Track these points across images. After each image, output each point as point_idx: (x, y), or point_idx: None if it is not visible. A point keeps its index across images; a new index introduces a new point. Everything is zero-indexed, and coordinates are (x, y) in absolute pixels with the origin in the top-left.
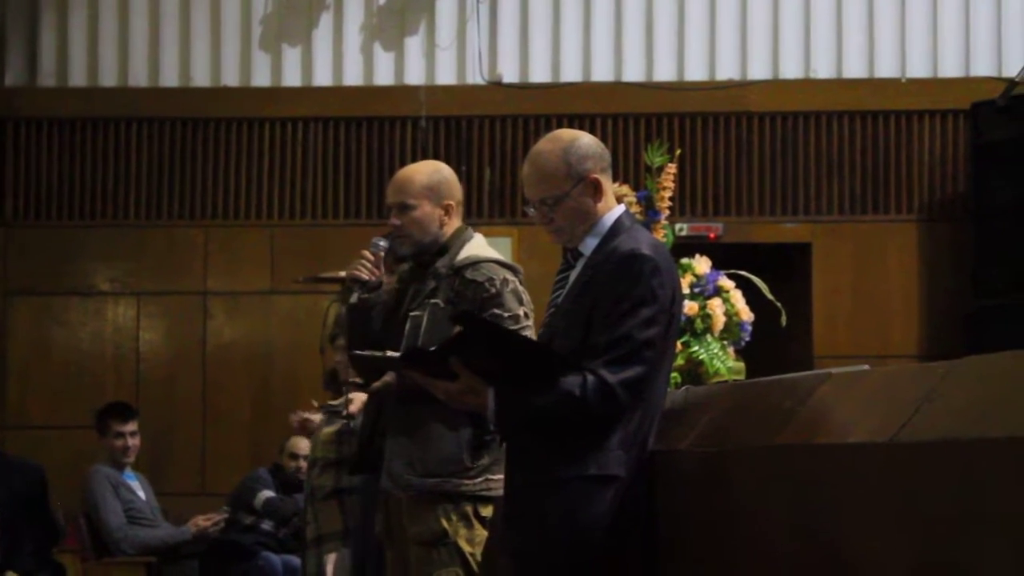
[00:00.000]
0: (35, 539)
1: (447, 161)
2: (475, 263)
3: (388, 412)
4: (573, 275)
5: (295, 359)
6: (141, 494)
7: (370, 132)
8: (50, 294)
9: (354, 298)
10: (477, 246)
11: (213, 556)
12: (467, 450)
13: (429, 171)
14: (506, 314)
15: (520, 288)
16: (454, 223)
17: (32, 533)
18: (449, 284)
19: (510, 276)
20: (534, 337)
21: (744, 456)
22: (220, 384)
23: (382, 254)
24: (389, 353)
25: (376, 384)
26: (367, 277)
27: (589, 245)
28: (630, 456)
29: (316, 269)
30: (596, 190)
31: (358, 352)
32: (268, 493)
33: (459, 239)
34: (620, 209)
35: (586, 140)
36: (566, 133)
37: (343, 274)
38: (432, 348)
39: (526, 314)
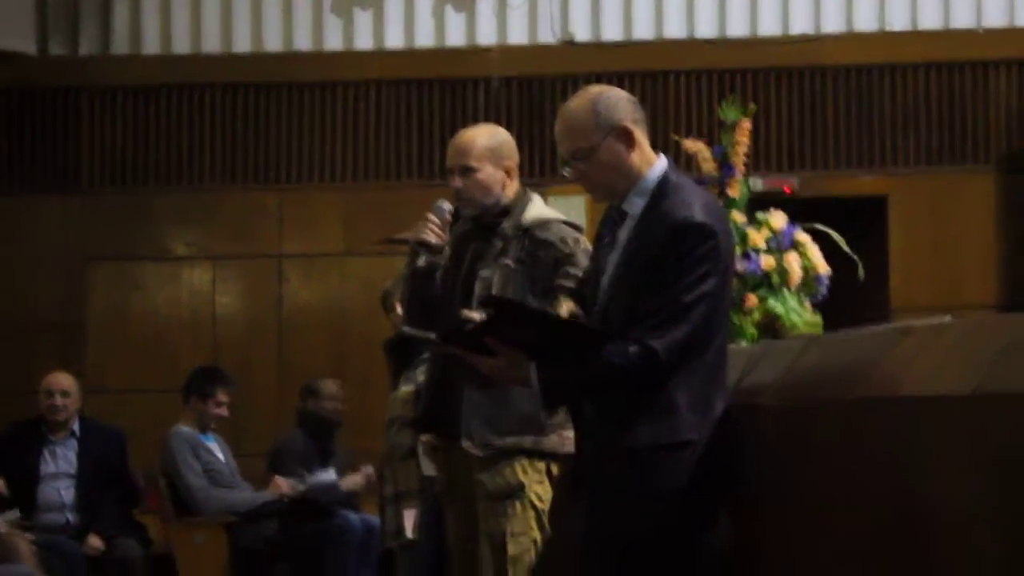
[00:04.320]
0: (116, 502)
1: (519, 121)
2: (544, 223)
3: (458, 371)
4: (622, 236)
5: (370, 321)
6: (220, 456)
7: (442, 94)
8: (127, 259)
9: (422, 261)
10: (541, 207)
11: (293, 516)
12: (540, 408)
13: (489, 133)
14: (579, 272)
15: (589, 247)
16: (514, 185)
17: (113, 496)
18: (518, 244)
19: (578, 235)
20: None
21: (826, 410)
22: (296, 347)
23: (448, 217)
24: (431, 335)
25: None
26: (434, 240)
27: (636, 205)
28: (701, 418)
29: (390, 231)
30: (629, 140)
31: (406, 330)
32: (322, 477)
33: (521, 200)
34: (663, 164)
35: (616, 92)
36: (595, 87)
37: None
38: (468, 329)
39: None
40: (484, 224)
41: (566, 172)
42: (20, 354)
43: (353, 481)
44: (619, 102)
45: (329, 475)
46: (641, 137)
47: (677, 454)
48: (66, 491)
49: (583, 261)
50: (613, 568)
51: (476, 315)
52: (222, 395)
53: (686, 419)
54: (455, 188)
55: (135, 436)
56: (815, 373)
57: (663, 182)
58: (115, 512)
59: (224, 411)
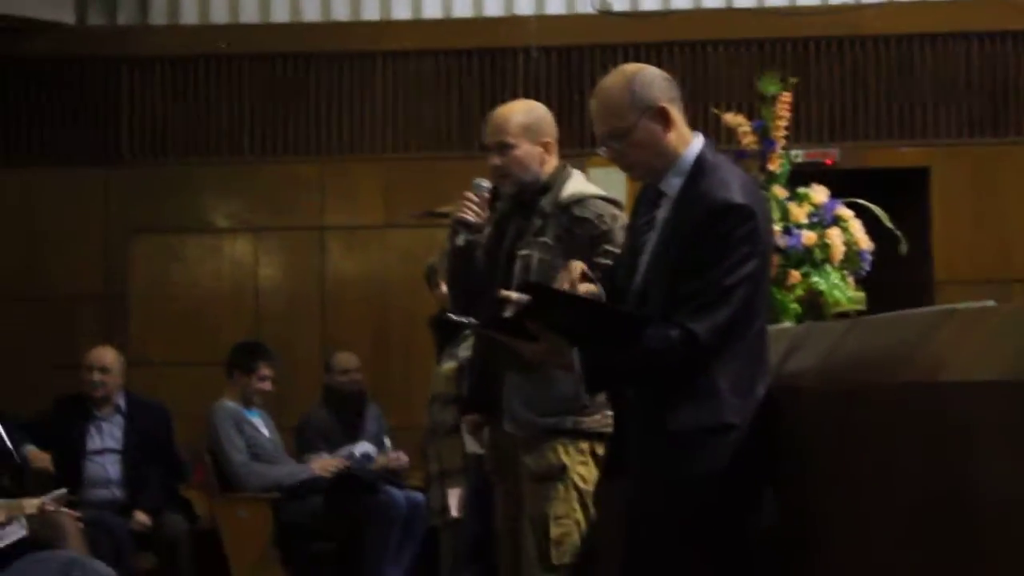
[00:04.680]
0: (162, 477)
1: (558, 92)
2: (581, 199)
3: (502, 353)
4: (660, 217)
5: (412, 293)
6: (264, 431)
7: (481, 64)
8: (169, 232)
9: (461, 240)
10: (580, 183)
11: (337, 491)
12: (582, 389)
13: (525, 109)
14: (617, 250)
15: (628, 222)
16: (552, 161)
17: (159, 471)
18: (557, 221)
19: (617, 211)
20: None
21: (868, 394)
22: (338, 319)
23: (487, 195)
24: (472, 320)
25: None
26: (473, 219)
27: (673, 185)
28: (743, 401)
29: (430, 203)
30: (665, 120)
31: (446, 317)
32: (363, 447)
33: (560, 176)
34: (700, 142)
35: (651, 71)
36: (631, 66)
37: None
38: (508, 315)
39: None
40: (524, 201)
41: (601, 151)
42: (64, 328)
43: (382, 462)
44: (655, 81)
45: (362, 447)
46: (677, 116)
47: (720, 437)
48: (112, 467)
49: (620, 238)
50: (657, 550)
51: (513, 295)
52: (265, 369)
53: (728, 402)
54: (493, 165)
55: (178, 410)
56: (857, 356)
57: (700, 161)
58: (161, 487)
59: (268, 385)
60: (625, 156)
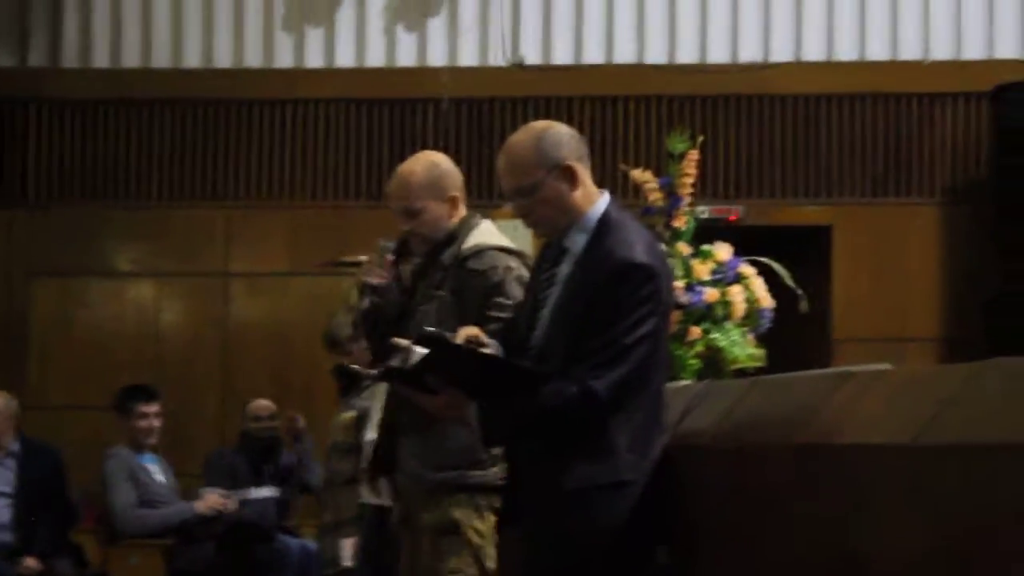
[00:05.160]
0: (52, 522)
1: (468, 143)
2: (478, 252)
3: (399, 412)
4: (561, 273)
5: (315, 340)
6: (160, 476)
7: (392, 114)
8: (72, 275)
9: (365, 303)
10: (482, 233)
11: (230, 538)
12: (479, 442)
13: (427, 167)
14: (509, 302)
15: (524, 274)
16: (460, 212)
17: (50, 516)
18: (455, 274)
19: (513, 263)
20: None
21: (766, 455)
22: (240, 365)
23: (391, 256)
24: (372, 372)
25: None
26: (377, 281)
27: (577, 241)
28: (640, 458)
29: (338, 250)
30: (571, 178)
31: (352, 368)
32: (264, 492)
33: (465, 227)
34: (605, 200)
35: (560, 128)
36: (540, 123)
37: (363, 258)
38: (407, 368)
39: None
40: (430, 254)
41: (507, 207)
42: None
43: (205, 505)
44: (563, 139)
45: (262, 492)
46: (584, 174)
47: (615, 494)
48: (3, 511)
49: (514, 290)
50: None
51: (403, 342)
52: (143, 409)
53: (625, 459)
54: (403, 229)
55: (77, 453)
56: (755, 417)
57: (605, 219)
58: (52, 532)
59: (149, 424)
60: (531, 213)
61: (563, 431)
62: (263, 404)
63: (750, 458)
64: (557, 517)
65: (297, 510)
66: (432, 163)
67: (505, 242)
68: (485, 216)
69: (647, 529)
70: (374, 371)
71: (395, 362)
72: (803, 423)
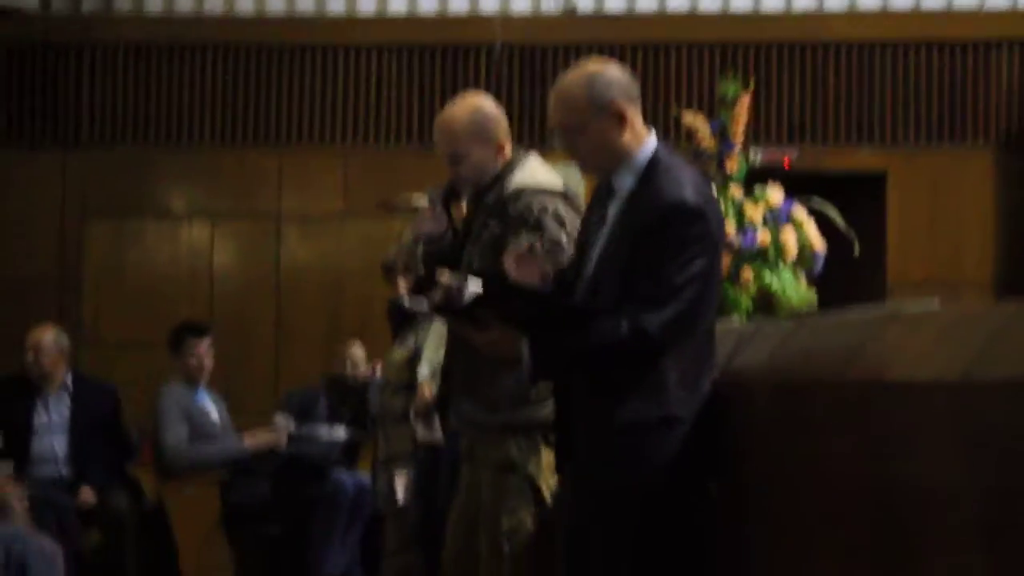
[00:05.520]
0: (109, 456)
1: (520, 90)
2: (519, 194)
3: (455, 354)
4: (610, 214)
5: (367, 282)
6: (213, 413)
7: (444, 60)
8: (126, 216)
9: (420, 252)
10: (526, 172)
11: (285, 474)
12: (527, 382)
13: (471, 112)
14: (546, 242)
15: (563, 212)
16: (505, 155)
17: (106, 450)
18: (497, 216)
19: (550, 203)
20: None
21: (814, 392)
22: (293, 307)
23: (440, 202)
24: (424, 307)
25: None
26: (431, 229)
27: (625, 183)
28: (690, 395)
29: (389, 194)
30: (620, 120)
31: (404, 302)
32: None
33: (508, 169)
34: (654, 142)
35: (612, 70)
36: (594, 63)
37: (420, 200)
38: (461, 304)
39: (570, 239)
40: (478, 199)
41: (556, 142)
42: (18, 309)
43: (257, 440)
44: (614, 81)
45: (328, 431)
46: (634, 117)
47: (665, 430)
48: (59, 444)
49: (552, 228)
50: (601, 541)
51: (446, 277)
52: (195, 345)
53: (675, 395)
54: (451, 173)
55: (132, 391)
56: (804, 355)
57: (654, 161)
58: (107, 466)
59: (200, 361)
60: (576, 151)
61: (613, 368)
62: (358, 352)
63: (799, 395)
64: (607, 453)
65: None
66: (476, 107)
67: (549, 180)
68: (532, 153)
69: (697, 465)
70: (425, 305)
71: (436, 298)
72: (852, 360)
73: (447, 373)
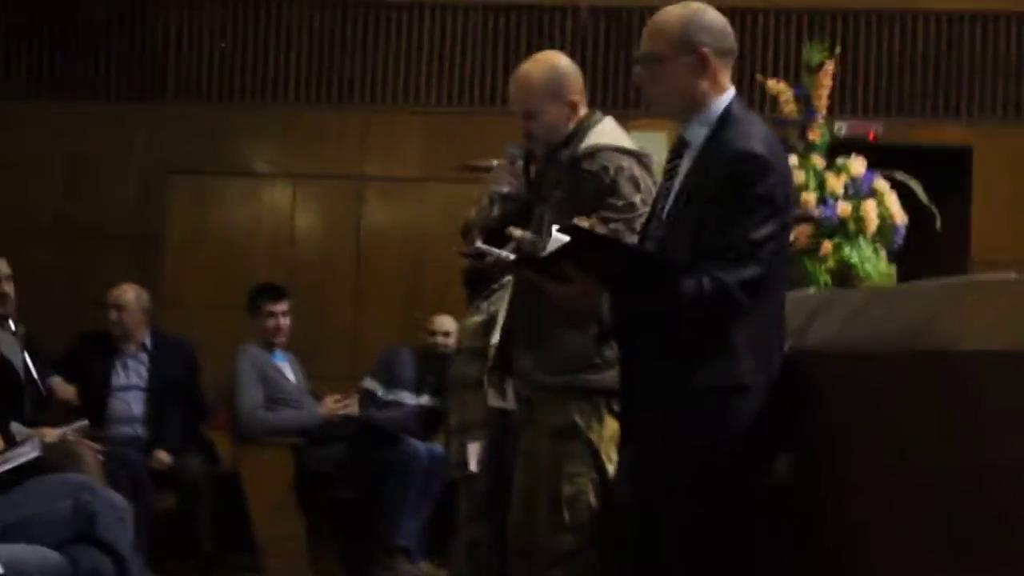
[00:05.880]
0: (184, 417)
1: (605, 52)
2: (593, 153)
3: (519, 315)
4: (682, 168)
5: (448, 246)
6: (290, 375)
7: (530, 20)
8: (209, 174)
9: (496, 211)
10: (600, 133)
11: (360, 441)
12: (594, 344)
13: (547, 69)
14: (620, 203)
15: (638, 173)
16: (579, 114)
17: (182, 411)
18: (570, 175)
19: (625, 162)
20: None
21: (886, 361)
22: (373, 269)
23: (520, 160)
24: (504, 253)
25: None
26: (508, 189)
27: (697, 134)
28: (760, 361)
29: (470, 156)
30: (703, 66)
31: (479, 246)
32: (400, 397)
33: (583, 128)
34: (730, 95)
35: (713, 15)
36: (698, 3)
37: (495, 163)
38: (544, 254)
39: (644, 200)
40: (550, 159)
41: (635, 69)
42: (99, 265)
43: (332, 409)
44: (710, 26)
45: (407, 398)
46: (720, 68)
47: (734, 397)
48: (136, 404)
49: (626, 189)
50: (668, 508)
51: (518, 232)
52: (272, 308)
53: (745, 363)
54: (523, 130)
55: (209, 352)
56: (878, 324)
57: (726, 113)
58: (183, 427)
59: (277, 323)
60: (651, 84)
61: (693, 326)
62: (446, 320)
63: (871, 364)
64: (675, 418)
65: None
66: (551, 65)
67: (623, 141)
68: (622, 126)
69: (766, 435)
70: (507, 254)
71: (505, 252)
72: (925, 330)
73: (508, 332)
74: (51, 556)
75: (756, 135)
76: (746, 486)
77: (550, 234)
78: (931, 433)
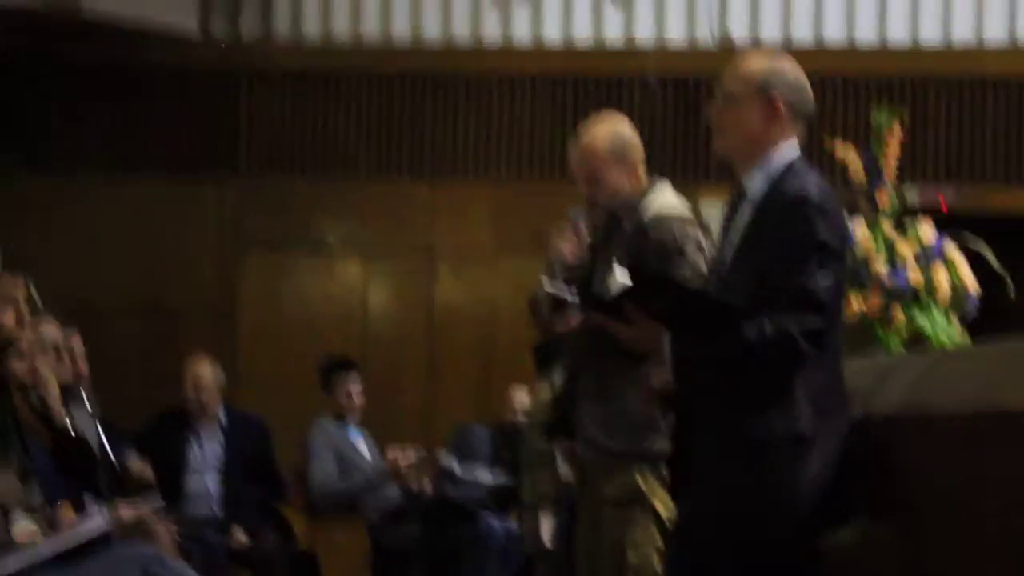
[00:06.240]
0: (260, 494)
1: (674, 122)
2: (659, 220)
3: (581, 379)
4: (740, 218)
5: (520, 320)
6: (365, 451)
7: (599, 92)
8: (281, 249)
9: (560, 284)
10: (663, 200)
11: (434, 516)
12: (661, 412)
13: (610, 136)
14: (688, 272)
15: (701, 239)
16: (639, 179)
17: (257, 489)
18: (636, 243)
19: (691, 231)
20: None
21: (956, 423)
22: (446, 346)
23: (582, 225)
24: (571, 297)
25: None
26: (570, 258)
27: (757, 185)
28: (820, 413)
29: (541, 228)
30: (774, 115)
31: (547, 286)
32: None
33: (645, 194)
34: (795, 152)
35: (794, 73)
36: (787, 60)
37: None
38: (609, 297)
39: (708, 263)
40: (612, 224)
41: (712, 106)
42: (171, 341)
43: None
44: (790, 81)
45: (483, 475)
46: (790, 122)
47: (794, 448)
48: (212, 483)
49: (692, 254)
50: (716, 558)
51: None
52: (344, 381)
53: (804, 414)
54: (585, 194)
55: (282, 428)
56: (947, 386)
57: (790, 166)
58: (259, 506)
59: (351, 399)
60: (721, 122)
61: (754, 373)
62: (522, 395)
63: (941, 426)
64: (729, 474)
65: None
66: (616, 131)
67: (684, 207)
68: (688, 197)
69: (829, 494)
70: (573, 297)
71: (566, 295)
72: (992, 389)
73: (570, 392)
74: None
75: (811, 182)
76: (807, 550)
77: (614, 275)
78: (1001, 495)
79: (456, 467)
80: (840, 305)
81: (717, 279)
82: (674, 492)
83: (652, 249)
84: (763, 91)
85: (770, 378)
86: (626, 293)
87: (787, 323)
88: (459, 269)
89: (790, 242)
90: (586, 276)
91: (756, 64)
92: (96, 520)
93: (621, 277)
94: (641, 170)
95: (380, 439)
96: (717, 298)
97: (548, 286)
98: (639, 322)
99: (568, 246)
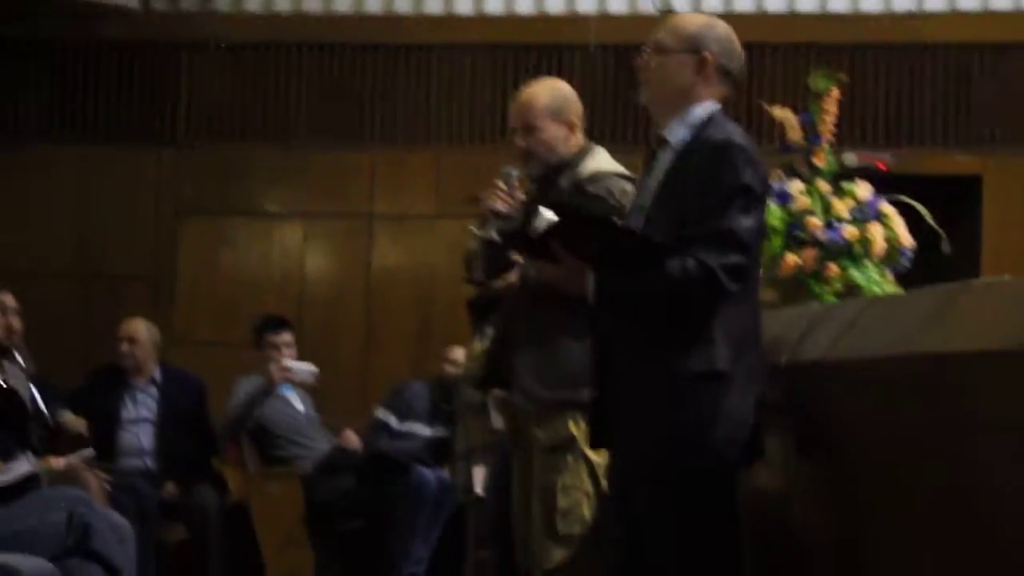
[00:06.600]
0: (194, 450)
1: (615, 89)
2: (596, 178)
3: (514, 328)
4: (660, 166)
5: (459, 283)
6: (299, 406)
7: (540, 60)
8: (219, 214)
9: (493, 233)
10: (600, 160)
11: (368, 470)
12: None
13: (549, 91)
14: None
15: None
16: (577, 139)
17: (190, 444)
18: (574, 198)
19: (629, 187)
20: None
21: (881, 366)
22: (383, 307)
23: (516, 182)
24: (496, 237)
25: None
26: (503, 208)
27: (677, 134)
28: (737, 351)
29: (480, 192)
30: (700, 70)
31: (475, 231)
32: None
33: (582, 154)
34: (716, 106)
35: (730, 36)
36: (719, 21)
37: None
38: (534, 233)
39: None
40: (546, 180)
41: (642, 54)
42: (111, 304)
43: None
44: (721, 40)
45: (420, 430)
46: (717, 79)
47: (711, 384)
48: (145, 437)
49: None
50: (644, 498)
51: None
52: (275, 339)
53: (721, 352)
54: (519, 147)
55: (220, 390)
56: (872, 332)
57: (711, 118)
58: (193, 460)
59: (282, 353)
60: (648, 72)
61: (676, 308)
62: (459, 350)
63: (865, 369)
64: (649, 405)
65: None
66: (555, 87)
67: (622, 169)
68: (629, 163)
69: (745, 430)
70: (496, 236)
71: (491, 231)
72: (919, 333)
73: (503, 341)
74: (45, 567)
75: (735, 131)
76: (724, 483)
77: (540, 214)
78: (924, 437)
79: (393, 421)
80: (760, 249)
81: (638, 220)
82: (594, 441)
83: (589, 202)
84: (694, 47)
85: (692, 314)
86: (552, 230)
87: (709, 259)
88: (397, 233)
89: (714, 184)
90: (518, 227)
91: (691, 20)
92: (23, 465)
93: (547, 215)
94: (578, 130)
95: (318, 398)
96: (641, 233)
97: (478, 231)
98: (565, 260)
99: (501, 199)
